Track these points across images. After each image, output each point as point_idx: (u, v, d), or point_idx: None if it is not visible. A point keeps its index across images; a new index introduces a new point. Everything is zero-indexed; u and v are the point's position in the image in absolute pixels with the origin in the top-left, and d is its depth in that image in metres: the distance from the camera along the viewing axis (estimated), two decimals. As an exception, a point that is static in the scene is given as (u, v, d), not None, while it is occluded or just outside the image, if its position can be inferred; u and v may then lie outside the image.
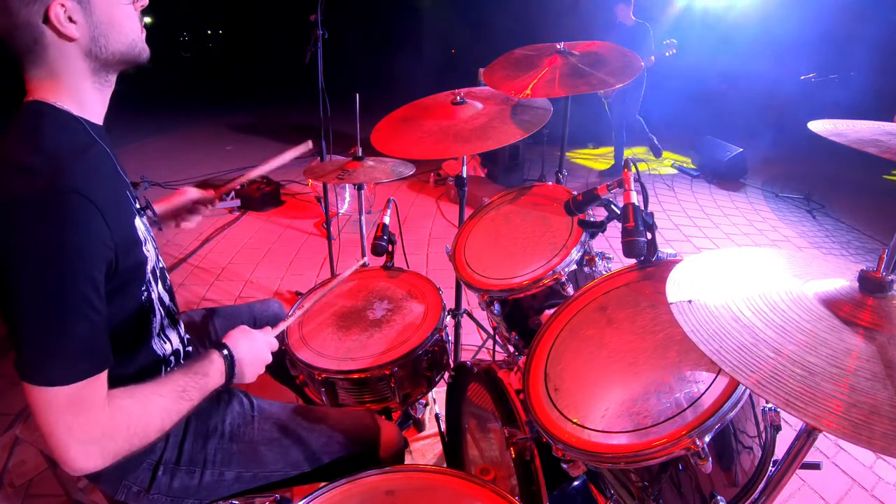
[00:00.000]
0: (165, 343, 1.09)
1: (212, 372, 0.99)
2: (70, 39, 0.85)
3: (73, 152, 0.85)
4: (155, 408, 0.89)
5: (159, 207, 1.36)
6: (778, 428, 0.93)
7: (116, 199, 0.92)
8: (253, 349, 1.06)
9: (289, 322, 1.24)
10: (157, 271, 1.06)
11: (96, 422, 0.81)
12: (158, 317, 1.06)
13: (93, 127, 0.93)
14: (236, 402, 1.20)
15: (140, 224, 0.98)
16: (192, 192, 1.41)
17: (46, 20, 0.82)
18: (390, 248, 1.67)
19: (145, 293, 0.99)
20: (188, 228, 1.44)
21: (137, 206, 1.02)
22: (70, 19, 0.84)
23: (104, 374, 0.83)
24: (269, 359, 1.11)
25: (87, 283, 0.80)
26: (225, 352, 1.02)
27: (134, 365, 1.02)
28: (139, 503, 1.08)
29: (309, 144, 1.45)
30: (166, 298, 1.11)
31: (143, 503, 1.08)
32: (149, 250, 0.99)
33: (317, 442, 1.19)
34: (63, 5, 0.83)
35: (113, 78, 0.96)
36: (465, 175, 1.99)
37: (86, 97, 0.92)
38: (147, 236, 1.00)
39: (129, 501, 1.08)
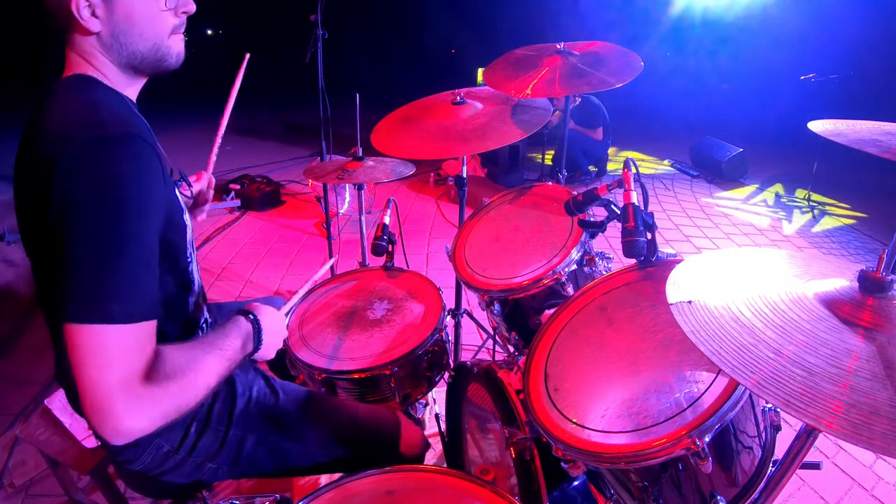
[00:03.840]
0: (201, 314, 1.12)
1: (243, 335, 0.98)
2: (90, 33, 0.87)
3: (130, 113, 0.88)
4: (203, 365, 0.86)
5: None
6: (778, 428, 0.93)
7: (166, 162, 0.93)
8: (274, 320, 1.07)
9: (294, 301, 1.24)
10: (193, 243, 1.08)
11: (147, 376, 0.76)
12: (197, 286, 1.09)
13: (132, 103, 0.96)
14: (262, 378, 1.23)
15: (178, 194, 1.01)
16: (194, 186, 1.40)
17: (69, 8, 0.84)
18: (390, 248, 1.67)
19: (190, 263, 1.02)
20: (201, 218, 1.43)
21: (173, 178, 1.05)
22: (93, 14, 0.86)
23: (155, 324, 0.80)
24: (286, 333, 1.13)
25: (149, 226, 0.80)
26: (251, 317, 1.01)
27: (178, 330, 1.04)
28: (161, 466, 1.07)
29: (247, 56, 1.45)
30: (198, 272, 1.13)
31: (166, 465, 1.07)
32: (187, 219, 1.01)
33: (337, 424, 1.21)
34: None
35: (141, 78, 0.98)
36: (465, 175, 1.99)
37: (120, 80, 0.94)
38: (184, 207, 1.02)
39: (148, 469, 1.06)
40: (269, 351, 1.05)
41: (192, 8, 0.95)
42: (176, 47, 0.95)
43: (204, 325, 1.14)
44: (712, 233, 4.17)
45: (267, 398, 1.19)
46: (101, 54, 0.90)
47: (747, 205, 4.81)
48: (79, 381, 0.72)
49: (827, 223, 4.45)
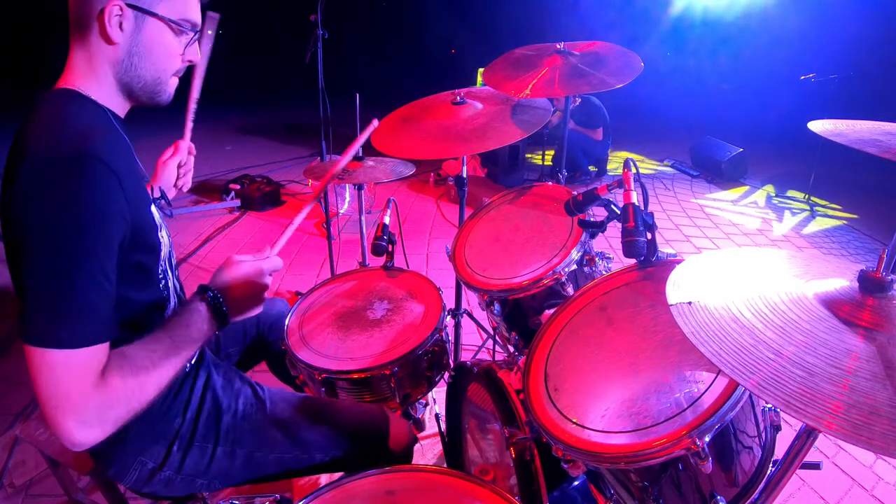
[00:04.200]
0: None
1: (198, 320, 0.94)
2: (109, 42, 0.89)
3: (99, 130, 0.88)
4: (150, 368, 0.87)
5: (155, 184, 1.35)
6: (778, 428, 0.93)
7: (134, 180, 0.93)
8: (243, 277, 0.99)
9: (288, 235, 1.14)
10: (172, 260, 1.09)
11: (95, 391, 0.79)
12: (173, 305, 1.08)
13: (115, 117, 0.96)
14: (249, 388, 1.22)
15: (155, 212, 1.01)
16: (167, 156, 1.37)
17: (102, 12, 0.86)
18: (390, 248, 1.67)
19: (163, 281, 1.02)
20: (187, 187, 1.42)
21: (152, 195, 1.05)
22: (120, 25, 0.88)
23: (107, 345, 0.83)
24: (268, 283, 1.03)
25: (104, 249, 0.80)
26: (209, 294, 0.96)
27: None
28: (150, 484, 1.08)
29: (375, 122, 1.43)
30: (178, 287, 1.13)
31: (154, 482, 1.08)
32: (163, 237, 1.01)
33: (326, 429, 1.20)
34: (121, 9, 0.87)
35: (130, 103, 0.99)
36: (465, 175, 1.99)
37: (112, 93, 0.95)
38: (161, 224, 1.02)
39: (137, 486, 1.08)
40: (244, 313, 1.00)
41: (197, 59, 1.02)
42: (171, 88, 1.00)
43: None
44: (712, 233, 4.17)
45: (254, 410, 1.18)
46: (106, 64, 0.91)
47: (748, 205, 4.81)
48: (35, 395, 0.78)
49: (825, 223, 4.45)
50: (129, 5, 0.87)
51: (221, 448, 1.11)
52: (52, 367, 0.76)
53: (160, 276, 1.01)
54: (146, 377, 0.86)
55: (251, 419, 1.16)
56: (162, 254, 1.00)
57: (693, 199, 4.88)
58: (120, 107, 0.98)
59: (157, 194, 1.10)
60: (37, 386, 0.77)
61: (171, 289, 1.07)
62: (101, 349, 0.81)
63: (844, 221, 4.46)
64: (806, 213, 4.58)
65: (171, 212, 1.33)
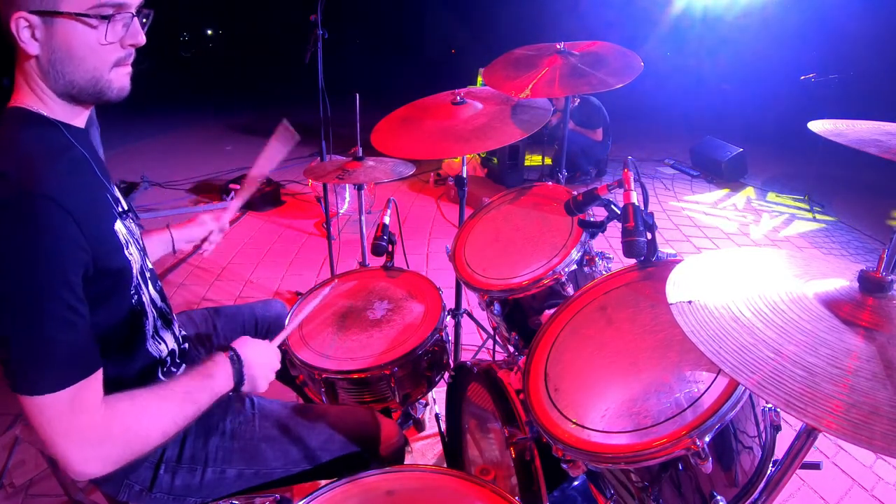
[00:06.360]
0: (160, 344, 1.09)
1: (218, 374, 0.98)
2: (28, 55, 0.84)
3: (47, 157, 0.84)
4: (156, 412, 0.88)
5: (177, 233, 1.39)
6: (778, 428, 0.93)
7: (92, 203, 0.91)
8: (261, 354, 1.06)
9: (287, 331, 1.24)
10: (147, 273, 1.06)
11: (92, 425, 0.80)
12: (151, 319, 1.06)
13: (70, 130, 0.92)
14: (238, 402, 1.21)
15: (122, 227, 0.96)
16: (210, 223, 1.44)
17: (10, 27, 0.82)
18: (390, 248, 1.67)
19: (135, 297, 0.99)
20: (205, 254, 1.48)
21: (120, 209, 1.00)
22: (33, 35, 0.83)
23: (96, 377, 0.83)
24: (278, 365, 1.11)
25: (64, 287, 0.79)
26: (231, 353, 1.02)
27: (131, 368, 1.02)
28: (142, 502, 1.08)
29: (291, 131, 1.53)
30: (158, 300, 1.11)
31: (146, 502, 1.08)
32: (132, 254, 0.98)
33: (317, 439, 1.20)
34: (27, 20, 0.81)
35: (82, 107, 0.94)
36: (465, 175, 1.99)
37: (58, 106, 0.91)
38: (129, 239, 0.99)
39: (131, 501, 1.08)
40: (258, 384, 1.05)
41: (142, 41, 0.91)
42: (118, 82, 0.90)
43: (172, 353, 1.13)
44: (712, 233, 4.17)
45: (244, 427, 1.17)
46: (38, 78, 0.87)
47: (746, 205, 4.81)
48: (37, 434, 0.79)
49: (812, 225, 4.44)
50: (32, 12, 0.80)
51: (211, 469, 1.10)
52: (42, 411, 0.77)
53: (132, 293, 0.98)
54: (152, 421, 0.87)
55: (240, 437, 1.15)
56: (133, 270, 0.98)
57: (692, 199, 4.89)
58: (73, 115, 0.93)
59: (125, 206, 1.05)
60: (36, 428, 0.78)
61: (147, 303, 1.04)
62: (89, 383, 0.81)
63: (823, 225, 4.44)
64: (815, 212, 4.57)
65: (141, 224, 1.34)
